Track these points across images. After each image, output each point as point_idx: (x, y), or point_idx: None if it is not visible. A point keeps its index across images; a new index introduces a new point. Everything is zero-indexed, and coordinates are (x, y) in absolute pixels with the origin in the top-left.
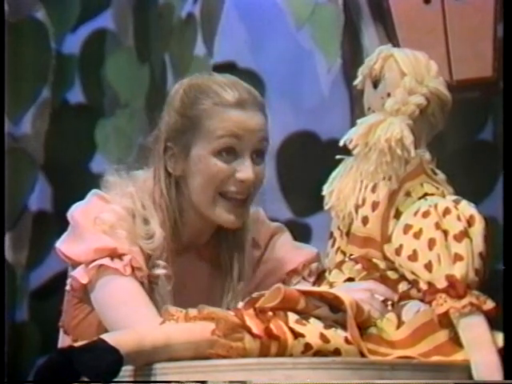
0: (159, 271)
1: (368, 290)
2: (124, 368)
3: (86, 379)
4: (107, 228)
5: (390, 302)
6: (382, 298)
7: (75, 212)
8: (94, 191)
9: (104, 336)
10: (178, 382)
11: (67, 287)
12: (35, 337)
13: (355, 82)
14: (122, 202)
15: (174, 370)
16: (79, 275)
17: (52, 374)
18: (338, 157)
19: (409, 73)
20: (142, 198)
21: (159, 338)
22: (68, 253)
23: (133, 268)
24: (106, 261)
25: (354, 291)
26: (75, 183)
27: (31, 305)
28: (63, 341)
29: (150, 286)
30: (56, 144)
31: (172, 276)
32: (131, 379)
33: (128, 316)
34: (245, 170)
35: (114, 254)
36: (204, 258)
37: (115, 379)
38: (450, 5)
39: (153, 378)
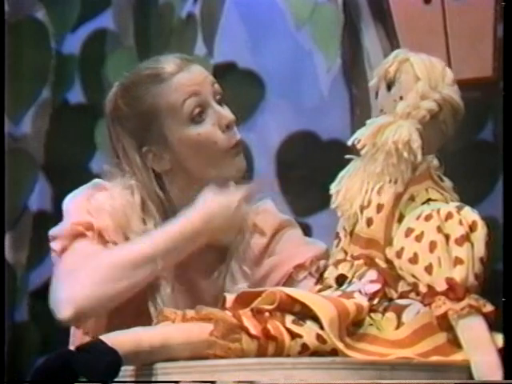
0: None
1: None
2: (124, 368)
3: (84, 380)
4: (95, 205)
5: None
6: (373, 290)
7: (67, 200)
8: (93, 181)
9: (102, 337)
10: (181, 382)
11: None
12: (35, 337)
13: (370, 84)
14: (121, 193)
15: (175, 370)
16: (55, 245)
17: (50, 375)
18: (346, 156)
19: (423, 78)
20: (143, 193)
21: (157, 338)
22: (50, 233)
23: (105, 241)
24: (81, 229)
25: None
26: (75, 183)
27: (31, 305)
28: (74, 333)
29: (151, 291)
30: (56, 144)
31: (170, 279)
32: (131, 379)
33: (77, 264)
34: (222, 115)
35: (90, 228)
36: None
37: (114, 379)
38: (450, 5)
39: (153, 378)
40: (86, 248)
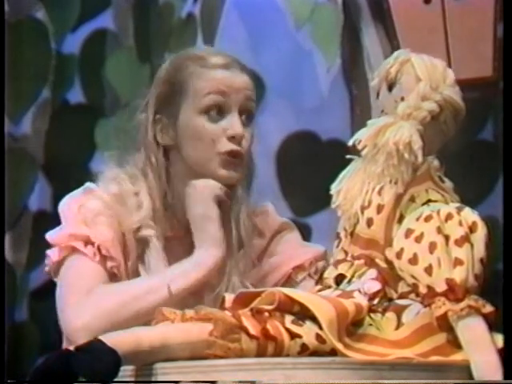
0: (147, 232)
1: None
2: (124, 368)
3: (84, 380)
4: (90, 216)
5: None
6: (374, 290)
7: (62, 203)
8: (85, 185)
9: (102, 337)
10: (181, 382)
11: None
12: (35, 337)
13: (372, 84)
14: (108, 189)
15: (174, 370)
16: (52, 253)
17: (50, 375)
18: (347, 157)
19: (424, 79)
20: (130, 175)
21: (156, 338)
22: (48, 237)
23: (103, 256)
24: (79, 245)
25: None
26: (75, 183)
27: (31, 305)
28: None
29: (142, 251)
30: (56, 144)
31: (161, 236)
32: (131, 379)
33: (72, 294)
34: (234, 125)
35: (88, 241)
36: None
37: (114, 379)
38: (450, 5)
39: (152, 378)
40: (87, 268)
